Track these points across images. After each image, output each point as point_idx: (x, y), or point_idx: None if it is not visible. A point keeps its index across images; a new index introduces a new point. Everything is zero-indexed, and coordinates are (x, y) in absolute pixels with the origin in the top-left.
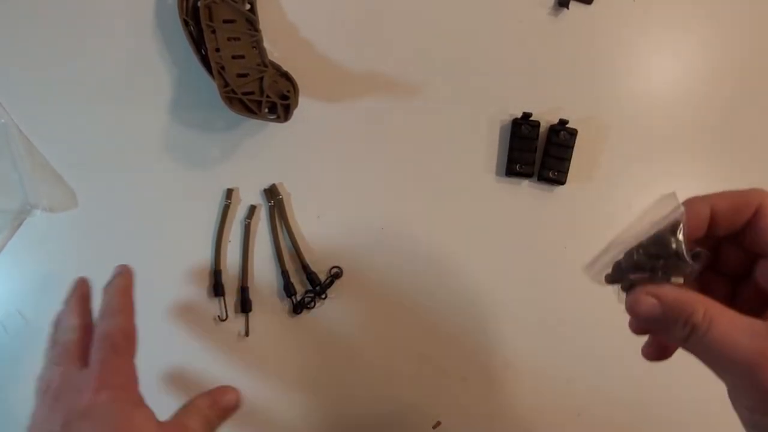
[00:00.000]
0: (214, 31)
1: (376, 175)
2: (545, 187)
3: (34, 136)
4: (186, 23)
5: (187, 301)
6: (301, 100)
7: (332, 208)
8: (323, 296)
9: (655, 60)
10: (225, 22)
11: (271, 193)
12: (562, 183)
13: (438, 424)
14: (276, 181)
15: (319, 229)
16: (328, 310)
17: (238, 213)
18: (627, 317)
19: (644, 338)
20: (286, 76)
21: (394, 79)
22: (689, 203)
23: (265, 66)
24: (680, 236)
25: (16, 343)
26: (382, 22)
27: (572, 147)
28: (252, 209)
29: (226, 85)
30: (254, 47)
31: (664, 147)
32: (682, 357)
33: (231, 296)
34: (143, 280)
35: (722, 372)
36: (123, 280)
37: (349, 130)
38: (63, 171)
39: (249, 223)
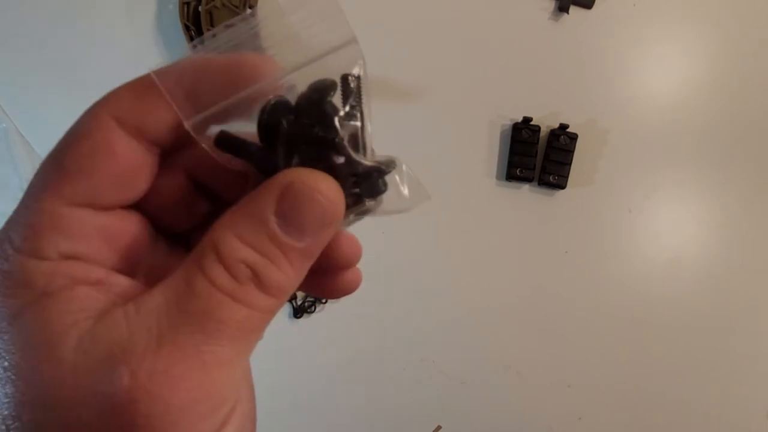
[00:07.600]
0: None
1: None
2: (546, 191)
3: (35, 139)
4: (187, 28)
5: None
6: None
7: None
8: (323, 300)
9: (655, 64)
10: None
11: None
12: (563, 187)
13: (438, 428)
14: None
15: None
16: (328, 314)
17: None
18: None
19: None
20: None
21: (394, 83)
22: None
23: None
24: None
25: None
26: (383, 26)
27: (573, 151)
28: None
29: None
30: None
31: (665, 151)
32: (683, 360)
33: None
34: None
35: None
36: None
37: None
38: None
39: None
